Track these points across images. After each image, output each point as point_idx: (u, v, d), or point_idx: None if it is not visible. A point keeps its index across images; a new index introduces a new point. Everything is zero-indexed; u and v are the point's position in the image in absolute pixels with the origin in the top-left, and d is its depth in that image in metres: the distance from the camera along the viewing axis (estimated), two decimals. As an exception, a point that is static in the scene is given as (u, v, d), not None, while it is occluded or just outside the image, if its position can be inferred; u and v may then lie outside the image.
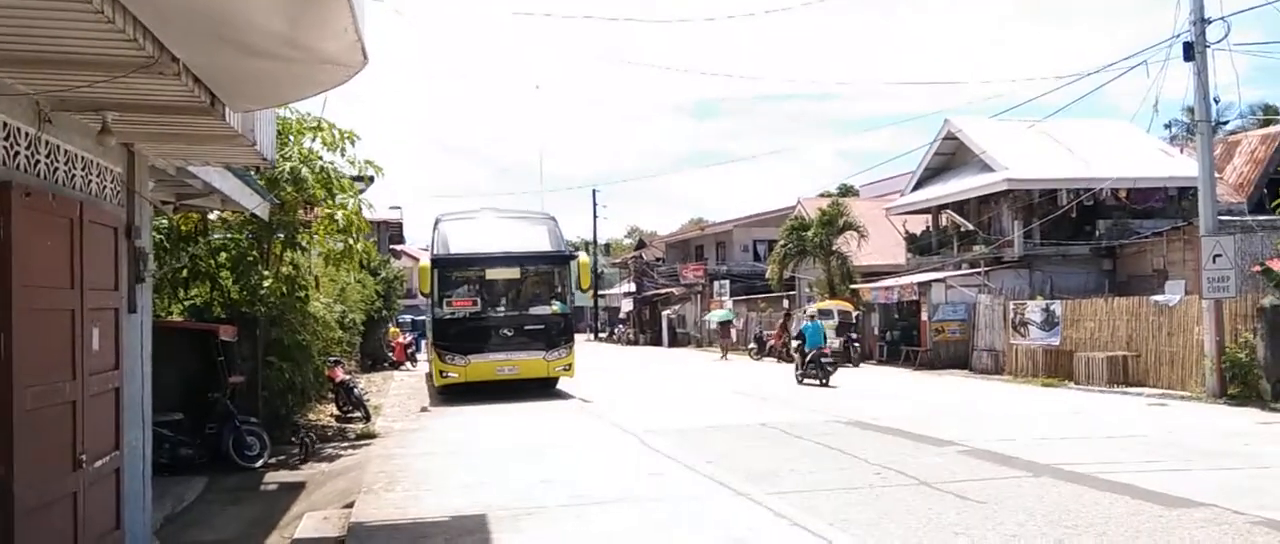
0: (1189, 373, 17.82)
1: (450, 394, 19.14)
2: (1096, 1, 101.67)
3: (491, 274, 19.44)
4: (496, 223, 20.66)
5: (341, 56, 4.46)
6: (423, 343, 39.35)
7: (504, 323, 19.06)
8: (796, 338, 23.20)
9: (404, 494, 9.34)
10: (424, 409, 17.48)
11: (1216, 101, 17.98)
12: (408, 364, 32.93)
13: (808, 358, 21.45)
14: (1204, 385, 16.80)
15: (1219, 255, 16.34)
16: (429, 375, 25.12)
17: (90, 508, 5.64)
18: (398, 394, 21.42)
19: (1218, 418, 14.33)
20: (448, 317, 18.88)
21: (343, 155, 13.13)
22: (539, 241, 19.99)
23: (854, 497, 8.69)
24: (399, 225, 45.50)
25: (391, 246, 43.03)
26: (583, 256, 20.28)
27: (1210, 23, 16.80)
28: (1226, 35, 16.75)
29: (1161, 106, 51.84)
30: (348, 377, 16.77)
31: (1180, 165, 28.27)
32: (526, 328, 18.95)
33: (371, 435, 13.91)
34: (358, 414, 15.50)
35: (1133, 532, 7.11)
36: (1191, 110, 20.48)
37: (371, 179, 15.32)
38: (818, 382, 20.96)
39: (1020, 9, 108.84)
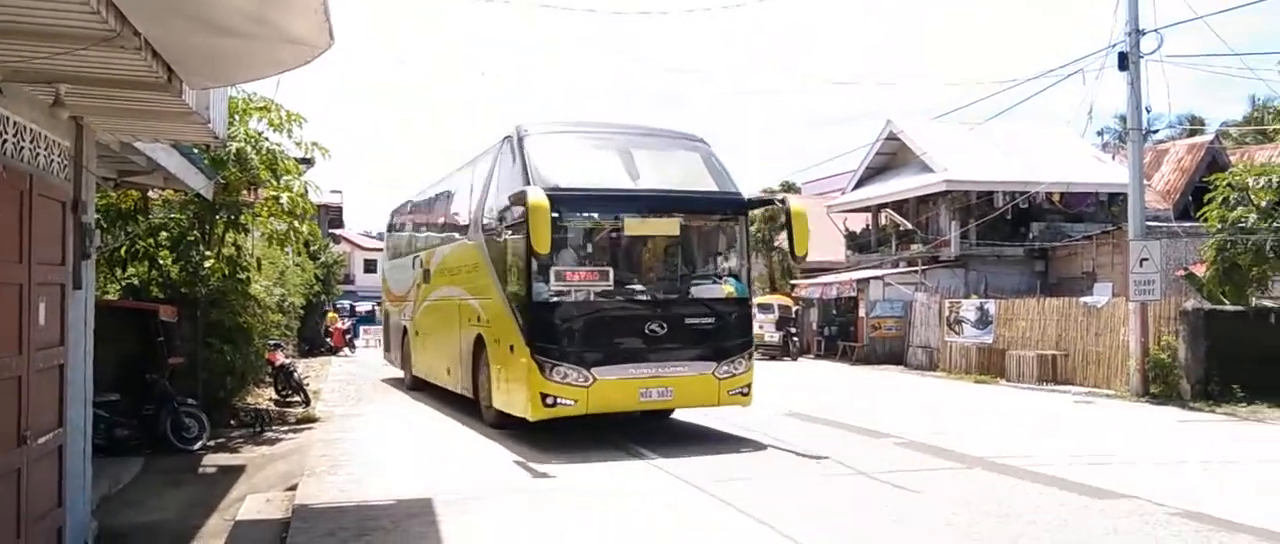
0: (1114, 372, 18.43)
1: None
2: (1035, 13, 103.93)
3: (632, 228, 11.35)
4: (621, 143, 12.22)
5: (308, 36, 4.47)
6: (361, 329, 39.06)
7: (650, 313, 11.12)
8: None
9: (348, 478, 9.31)
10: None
11: (1148, 111, 18.54)
12: (346, 350, 32.59)
13: None
14: (1128, 384, 17.39)
15: (1146, 260, 16.92)
16: (407, 380, 18.06)
17: (33, 485, 5.57)
18: (337, 379, 21.24)
19: (1140, 416, 14.87)
20: (552, 299, 10.86)
21: (290, 137, 13.02)
22: (697, 176, 11.94)
23: (795, 485, 8.90)
24: (339, 209, 45.04)
25: (331, 231, 42.52)
26: (794, 202, 11.97)
27: (1145, 34, 17.35)
28: (1159, 46, 17.32)
29: (1095, 114, 53.41)
30: (288, 361, 16.61)
31: (1111, 171, 29.20)
32: (688, 322, 11.22)
33: (312, 420, 13.81)
34: (297, 398, 15.38)
35: (1060, 521, 7.41)
36: (1124, 119, 21.13)
37: (313, 161, 15.17)
38: None
39: (965, 15, 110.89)
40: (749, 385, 11.53)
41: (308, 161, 14.98)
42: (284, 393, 15.67)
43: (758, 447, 11.15)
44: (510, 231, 11.45)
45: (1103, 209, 29.44)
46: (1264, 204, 17.22)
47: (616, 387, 10.79)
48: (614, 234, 11.58)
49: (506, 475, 9.51)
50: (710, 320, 11.38)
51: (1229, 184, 18.03)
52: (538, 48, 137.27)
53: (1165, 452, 11.27)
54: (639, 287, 11.52)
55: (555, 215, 10.27)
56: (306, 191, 13.75)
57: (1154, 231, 20.57)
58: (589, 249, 11.59)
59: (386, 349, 21.45)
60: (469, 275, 13.45)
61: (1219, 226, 17.65)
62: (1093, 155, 32.09)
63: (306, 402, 15.25)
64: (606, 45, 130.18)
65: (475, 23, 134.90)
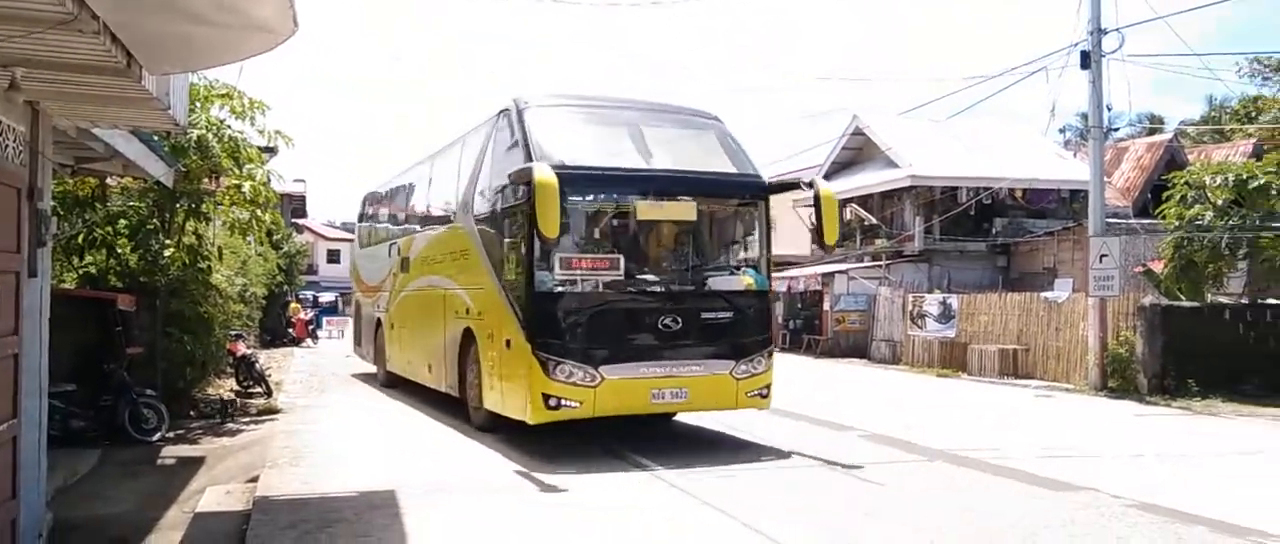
0: (1074, 367, 18.70)
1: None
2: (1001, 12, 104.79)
3: (645, 212, 10.35)
4: (630, 119, 11.27)
5: (272, 22, 4.40)
6: (324, 320, 38.69)
7: (663, 306, 10.17)
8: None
9: (310, 469, 9.22)
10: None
11: (1109, 109, 18.81)
12: (309, 341, 32.29)
13: None
14: (1087, 379, 17.66)
15: (1105, 256, 17.17)
16: (381, 375, 17.01)
17: (-14, 476, 5.47)
18: (300, 371, 21.05)
19: (1098, 409, 15.11)
20: (557, 289, 9.88)
21: (252, 125, 12.85)
22: (713, 156, 11.10)
23: (762, 477, 8.94)
24: (303, 199, 44.58)
25: (294, 221, 42.10)
26: (822, 186, 10.92)
27: (1106, 33, 17.59)
28: (1121, 46, 17.57)
29: (1058, 112, 54.38)
30: (249, 351, 16.44)
31: (1073, 168, 29.63)
32: (704, 316, 10.34)
33: (274, 411, 13.67)
34: (259, 390, 15.22)
35: (1020, 512, 7.51)
36: (1086, 116, 21.45)
37: (276, 149, 14.98)
38: None
39: (944, 13, 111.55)
40: (769, 386, 10.61)
41: (271, 150, 14.79)
42: (245, 384, 15.51)
43: (725, 437, 11.20)
44: (509, 215, 10.46)
45: (1064, 206, 29.86)
46: (1220, 202, 17.58)
47: (626, 387, 9.84)
48: (623, 219, 10.54)
49: (477, 469, 9.37)
50: (728, 315, 10.44)
51: (1187, 182, 18.39)
52: (531, 44, 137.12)
53: (1122, 445, 11.46)
54: (651, 277, 10.44)
55: (566, 195, 9.35)
56: (269, 180, 13.59)
57: (1114, 228, 20.92)
58: (597, 235, 10.57)
59: (357, 343, 20.15)
60: (456, 263, 12.43)
61: (1176, 224, 17.99)
62: (1055, 153, 32.53)
63: (268, 393, 15.10)
64: (598, 42, 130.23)
65: (470, 19, 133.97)
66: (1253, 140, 32.28)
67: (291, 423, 12.64)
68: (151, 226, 12.65)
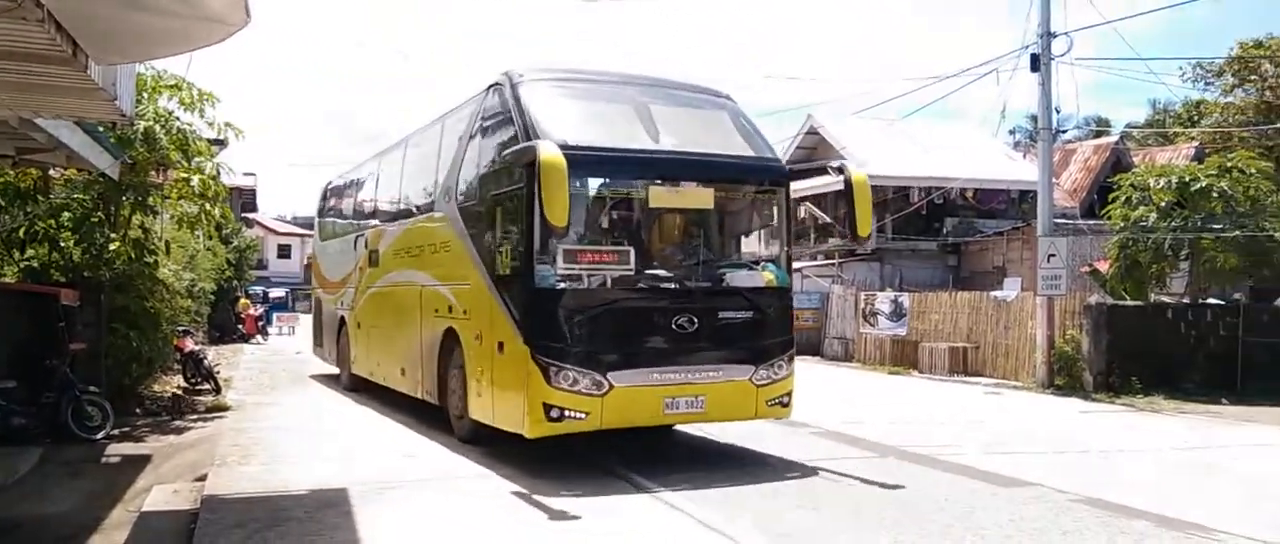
0: (1022, 364, 19.02)
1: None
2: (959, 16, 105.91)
3: (658, 199, 9.44)
4: (634, 95, 10.01)
5: (224, 14, 4.33)
6: (274, 316, 38.19)
7: (678, 305, 9.02)
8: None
9: (260, 467, 9.10)
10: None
11: (1058, 111, 19.17)
12: (258, 337, 31.84)
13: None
14: (1035, 376, 17.97)
15: (1053, 255, 17.48)
16: (345, 378, 15.85)
17: (-78, 475, 5.33)
18: (249, 367, 20.76)
19: (1045, 406, 15.40)
20: (559, 285, 8.70)
21: (201, 116, 12.65)
22: (727, 138, 9.98)
23: (710, 473, 8.97)
24: (253, 192, 43.97)
25: (244, 215, 41.50)
26: (853, 171, 9.87)
27: (1055, 37, 17.90)
28: (1069, 49, 17.89)
29: (1007, 113, 55.50)
30: (197, 347, 16.20)
31: (1022, 169, 30.17)
32: (722, 316, 9.24)
33: (222, 408, 13.46)
34: (207, 386, 15.02)
35: (969, 508, 7.62)
36: (1035, 118, 21.83)
37: (226, 142, 14.73)
38: None
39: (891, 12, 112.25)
40: (789, 393, 9.59)
41: (220, 142, 14.56)
42: (193, 381, 15.28)
43: (692, 438, 11.22)
44: (501, 201, 9.36)
45: (1013, 206, 30.40)
46: (1163, 204, 18.01)
47: (637, 396, 8.71)
48: (630, 206, 9.56)
49: (446, 474, 8.98)
50: (748, 314, 9.33)
51: (1132, 184, 18.83)
52: (535, 42, 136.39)
53: (1068, 441, 11.69)
54: (663, 272, 9.27)
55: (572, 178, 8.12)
56: (219, 174, 13.38)
57: (1061, 229, 21.28)
58: (602, 224, 9.44)
59: (317, 343, 18.49)
60: (436, 256, 11.22)
61: (1122, 225, 18.39)
62: (1005, 154, 33.11)
63: (217, 390, 14.89)
64: (601, 40, 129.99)
65: (474, 17, 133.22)
66: (1195, 143, 33.05)
67: (241, 421, 12.46)
68: (96, 220, 12.43)
